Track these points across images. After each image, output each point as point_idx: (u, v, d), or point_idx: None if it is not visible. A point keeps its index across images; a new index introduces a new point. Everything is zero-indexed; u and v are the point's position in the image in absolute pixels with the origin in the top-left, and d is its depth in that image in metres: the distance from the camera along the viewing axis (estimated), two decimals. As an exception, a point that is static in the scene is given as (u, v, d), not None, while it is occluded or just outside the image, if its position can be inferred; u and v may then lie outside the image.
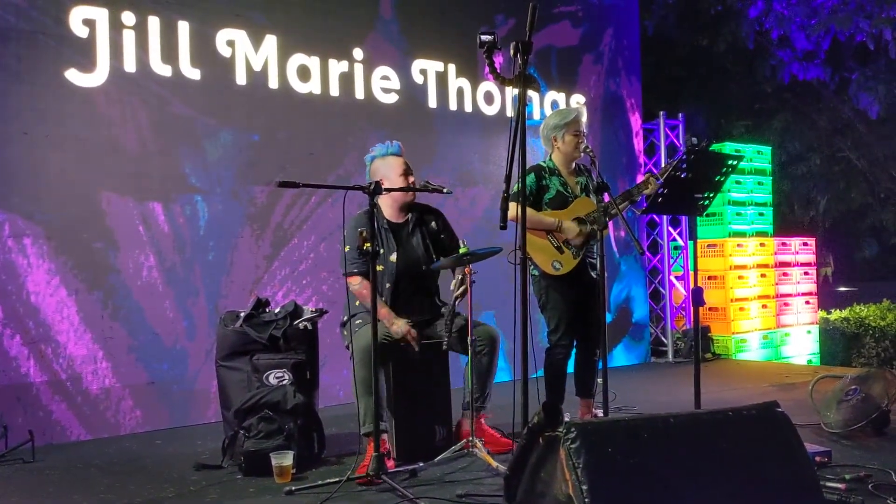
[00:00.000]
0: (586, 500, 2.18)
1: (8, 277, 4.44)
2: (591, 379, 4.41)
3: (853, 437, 4.06)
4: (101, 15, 4.69)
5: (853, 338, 9.99)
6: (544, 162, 4.35)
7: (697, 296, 3.79)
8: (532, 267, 4.22)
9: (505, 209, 2.98)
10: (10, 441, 4.14)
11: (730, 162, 3.76)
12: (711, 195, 3.79)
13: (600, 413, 4.28)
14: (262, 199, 5.30)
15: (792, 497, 2.38)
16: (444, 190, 3.80)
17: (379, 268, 3.88)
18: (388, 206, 4.10)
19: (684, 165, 3.59)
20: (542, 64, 6.78)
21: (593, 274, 4.26)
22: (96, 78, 4.69)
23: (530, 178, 4.18)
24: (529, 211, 4.12)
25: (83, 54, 4.65)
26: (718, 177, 3.76)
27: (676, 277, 7.99)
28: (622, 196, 4.16)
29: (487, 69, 3.10)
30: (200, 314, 5.02)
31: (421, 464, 3.65)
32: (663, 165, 4.17)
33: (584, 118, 4.31)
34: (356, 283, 3.94)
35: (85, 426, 4.62)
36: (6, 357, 4.41)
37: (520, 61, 2.83)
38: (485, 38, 2.87)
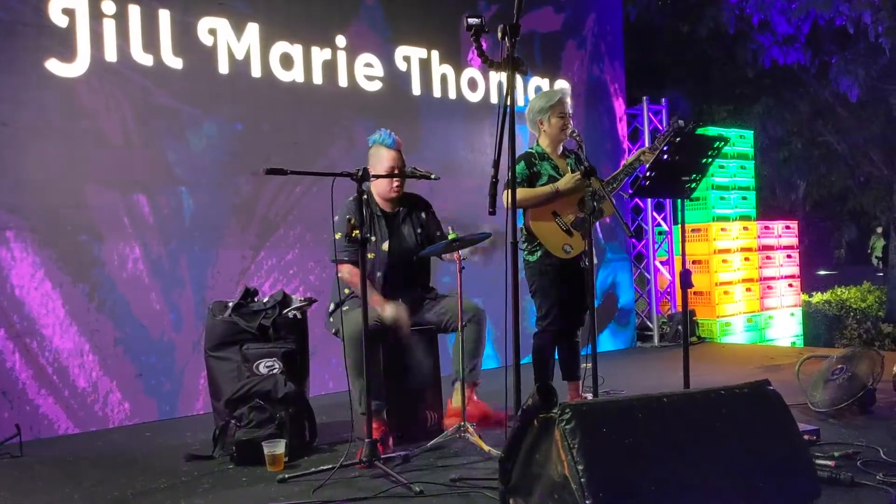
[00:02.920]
0: (582, 480, 2.19)
1: (-9, 271, 4.39)
2: (576, 361, 4.44)
3: (840, 416, 4.10)
4: (80, 4, 4.62)
5: (835, 319, 10.14)
6: (532, 148, 4.34)
7: (686, 278, 3.81)
8: (526, 252, 4.23)
9: (493, 194, 2.97)
10: (-3, 436, 4.10)
11: (716, 144, 3.77)
12: (698, 178, 3.80)
13: (590, 397, 4.30)
14: (247, 190, 5.26)
15: (785, 473, 2.41)
16: (432, 176, 3.78)
17: (370, 255, 3.87)
18: (377, 195, 4.09)
19: (679, 139, 3.60)
20: (526, 49, 6.76)
21: (585, 261, 4.28)
22: (77, 68, 4.63)
23: (521, 166, 4.17)
24: (524, 191, 4.13)
25: (63, 44, 4.58)
26: (705, 159, 3.77)
27: (661, 262, 8.03)
28: (624, 169, 4.23)
29: (474, 53, 3.10)
30: (187, 306, 4.99)
31: (414, 449, 3.66)
32: (655, 141, 4.18)
33: (569, 99, 4.31)
34: (346, 270, 3.93)
35: (73, 420, 4.58)
36: (-9, 351, 4.37)
37: (507, 44, 2.82)
38: (472, 21, 2.86)
